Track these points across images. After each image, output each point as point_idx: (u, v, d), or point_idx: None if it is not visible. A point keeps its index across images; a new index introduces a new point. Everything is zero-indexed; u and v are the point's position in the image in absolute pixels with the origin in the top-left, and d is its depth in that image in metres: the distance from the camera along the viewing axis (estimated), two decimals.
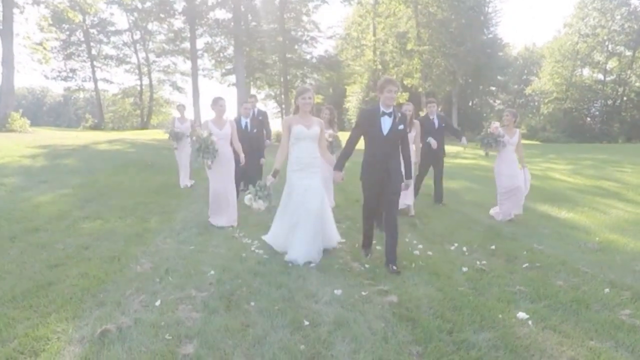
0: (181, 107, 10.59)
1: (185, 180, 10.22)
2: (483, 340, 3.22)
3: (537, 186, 11.56)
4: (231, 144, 6.71)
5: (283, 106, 35.17)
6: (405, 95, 33.66)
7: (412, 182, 4.87)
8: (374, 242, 5.37)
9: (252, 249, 5.31)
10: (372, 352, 2.99)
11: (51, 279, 4.24)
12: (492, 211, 7.65)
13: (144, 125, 45.14)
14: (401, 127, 4.79)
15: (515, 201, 7.25)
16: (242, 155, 6.74)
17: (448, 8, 35.42)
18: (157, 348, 2.99)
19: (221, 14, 30.26)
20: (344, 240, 5.56)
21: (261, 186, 4.89)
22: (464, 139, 8.54)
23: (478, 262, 5.04)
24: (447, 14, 35.64)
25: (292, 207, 4.97)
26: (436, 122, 8.45)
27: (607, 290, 4.24)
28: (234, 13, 28.04)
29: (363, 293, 4.03)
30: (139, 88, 45.73)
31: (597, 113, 48.79)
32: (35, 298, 3.78)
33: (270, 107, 49.15)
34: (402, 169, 4.94)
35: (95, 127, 40.16)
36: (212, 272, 4.49)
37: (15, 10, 23.96)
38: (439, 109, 31.49)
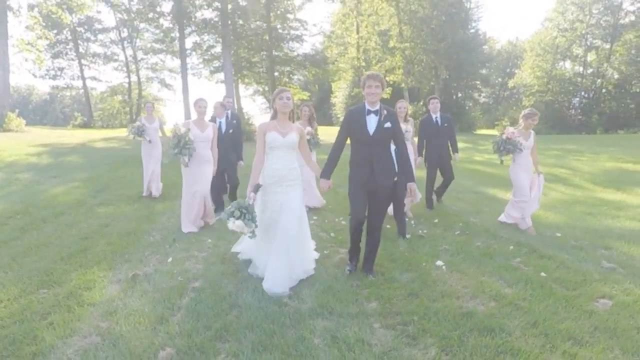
0: (149, 106, 9.61)
1: (153, 188, 9.06)
2: (405, 278, 4.53)
3: (495, 173, 13.00)
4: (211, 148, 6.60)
5: (270, 99, 36.25)
6: (388, 90, 34.87)
7: (415, 185, 4.50)
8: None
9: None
10: (324, 284, 4.29)
11: (85, 246, 5.52)
12: (502, 217, 7.00)
13: (133, 123, 45.63)
14: (387, 124, 4.39)
15: (527, 209, 6.57)
16: (214, 168, 6.68)
17: (429, 5, 36.66)
18: (174, 284, 4.28)
19: (208, 13, 31.19)
20: (317, 256, 5.06)
21: (244, 207, 4.17)
22: (456, 155, 8.02)
23: (420, 231, 6.37)
24: (428, 11, 36.89)
25: (264, 226, 4.44)
26: (439, 121, 7.81)
27: (511, 247, 5.60)
28: (221, 13, 29.04)
29: (325, 252, 5.34)
30: (126, 85, 46.10)
31: (578, 105, 50.52)
32: (78, 258, 5.04)
33: (258, 103, 50.29)
34: (400, 170, 4.59)
35: (85, 126, 40.63)
36: (210, 240, 5.81)
37: (9, 13, 24.87)
38: (421, 103, 32.38)
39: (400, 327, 3.46)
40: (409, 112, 7.61)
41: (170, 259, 5.04)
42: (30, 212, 7.33)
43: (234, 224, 4.11)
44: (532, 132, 6.64)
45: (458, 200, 9.02)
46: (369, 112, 4.40)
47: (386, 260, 5.05)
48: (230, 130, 7.84)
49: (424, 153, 7.84)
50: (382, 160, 4.44)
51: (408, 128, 7.14)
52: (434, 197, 8.24)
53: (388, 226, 6.56)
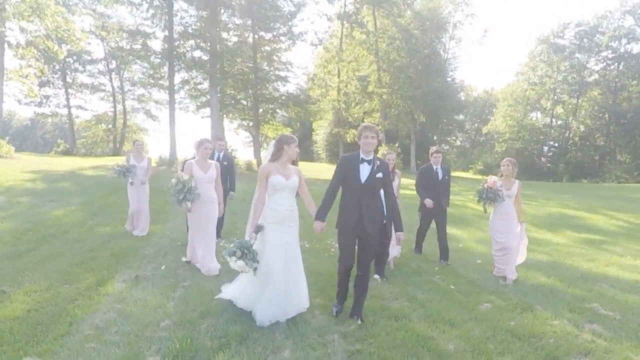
0: (138, 145, 9.23)
1: (140, 227, 8.78)
2: None
3: (451, 212, 14.52)
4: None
5: (254, 134, 37.67)
6: None
7: (402, 234, 4.74)
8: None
9: (221, 244, 7.83)
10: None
11: (92, 256, 6.78)
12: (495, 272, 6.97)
13: (116, 152, 46.31)
14: (379, 175, 4.64)
15: (507, 260, 6.65)
16: (221, 206, 6.66)
17: (406, 55, 39.31)
18: (168, 283, 5.60)
19: (198, 53, 32.98)
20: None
21: (246, 247, 4.35)
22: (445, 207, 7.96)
23: None
24: (405, 60, 39.49)
25: (264, 263, 4.49)
26: (440, 173, 7.79)
27: (437, 268, 7.03)
28: (210, 54, 30.85)
29: None
30: (111, 114, 47.05)
31: (549, 154, 53.49)
32: (88, 264, 6.32)
33: (242, 137, 51.88)
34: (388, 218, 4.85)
35: (67, 153, 41.18)
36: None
37: (7, 46, 26.27)
38: (396, 145, 34.19)
39: (343, 328, 4.74)
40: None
41: (163, 267, 6.34)
42: (39, 229, 8.54)
43: (236, 264, 4.29)
44: (517, 181, 6.77)
45: (410, 232, 10.39)
46: (363, 160, 4.64)
47: (335, 272, 6.40)
48: (225, 163, 8.06)
49: (424, 197, 7.81)
50: (371, 208, 4.65)
51: (394, 179, 7.11)
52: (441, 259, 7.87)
53: None
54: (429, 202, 7.68)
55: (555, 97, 51.14)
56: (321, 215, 4.68)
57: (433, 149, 7.96)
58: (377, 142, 4.69)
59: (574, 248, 9.67)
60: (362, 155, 4.65)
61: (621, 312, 5.28)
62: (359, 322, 4.57)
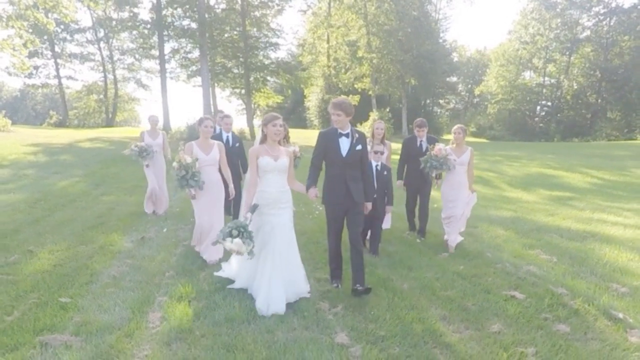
0: (153, 119, 8.71)
1: (157, 206, 8.61)
2: None
3: None
4: (219, 170, 6.05)
5: (246, 102, 38.12)
6: (357, 97, 37.25)
7: (370, 205, 4.85)
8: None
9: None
10: None
11: (101, 221, 7.65)
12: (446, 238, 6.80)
13: (109, 122, 46.59)
14: (359, 147, 4.73)
15: (452, 228, 6.61)
16: (231, 186, 6.15)
17: (395, 18, 39.30)
18: (170, 242, 6.49)
19: (186, 21, 33.06)
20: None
21: (242, 226, 4.27)
22: (439, 182, 7.21)
23: None
24: (394, 23, 39.52)
25: (257, 247, 4.42)
26: (424, 145, 7.28)
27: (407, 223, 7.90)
28: (199, 23, 30.94)
29: None
30: (102, 84, 47.08)
31: (541, 113, 53.99)
32: (99, 228, 7.18)
33: (234, 105, 52.08)
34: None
35: (60, 124, 41.40)
36: (192, 218, 7.90)
37: None
38: (387, 110, 34.57)
39: (318, 274, 5.65)
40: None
41: (165, 229, 7.22)
42: (49, 199, 9.35)
43: (232, 243, 4.16)
44: (469, 148, 6.69)
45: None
46: (341, 135, 4.71)
47: (321, 235, 7.28)
48: (237, 144, 7.61)
49: (403, 176, 7.60)
50: (355, 179, 4.76)
51: (384, 150, 6.63)
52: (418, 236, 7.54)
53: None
54: (399, 184, 7.57)
55: (547, 56, 50.95)
56: (312, 182, 4.74)
57: (417, 122, 7.44)
58: (345, 118, 4.67)
59: (540, 205, 10.55)
60: (339, 130, 4.73)
61: (559, 255, 6.21)
62: (360, 288, 4.54)
